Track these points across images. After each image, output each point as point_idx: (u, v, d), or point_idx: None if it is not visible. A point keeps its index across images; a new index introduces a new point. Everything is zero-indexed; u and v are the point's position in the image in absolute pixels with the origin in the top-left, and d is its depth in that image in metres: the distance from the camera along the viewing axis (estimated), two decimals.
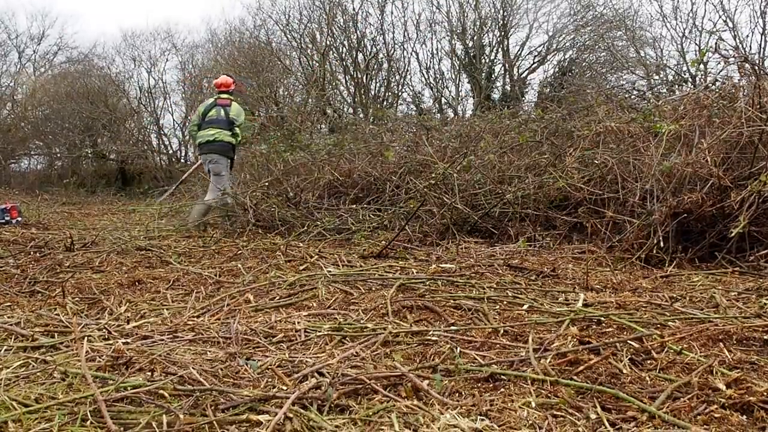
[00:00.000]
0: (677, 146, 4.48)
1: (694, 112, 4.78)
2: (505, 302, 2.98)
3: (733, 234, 3.67)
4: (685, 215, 3.99)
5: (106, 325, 2.63)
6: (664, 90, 8.43)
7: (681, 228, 4.00)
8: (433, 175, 5.61)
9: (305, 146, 8.26)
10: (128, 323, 2.72)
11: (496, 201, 5.23)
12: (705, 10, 22.33)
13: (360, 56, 13.87)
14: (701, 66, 10.21)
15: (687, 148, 4.31)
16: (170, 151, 16.85)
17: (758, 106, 4.24)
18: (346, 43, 13.89)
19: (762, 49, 10.43)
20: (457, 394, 1.87)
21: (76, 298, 3.24)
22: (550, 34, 13.20)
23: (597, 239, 4.48)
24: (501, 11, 13.04)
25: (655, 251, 3.95)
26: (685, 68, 10.60)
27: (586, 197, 4.85)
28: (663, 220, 4.01)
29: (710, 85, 5.91)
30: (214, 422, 1.64)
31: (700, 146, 4.20)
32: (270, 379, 1.99)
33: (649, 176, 4.39)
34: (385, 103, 13.96)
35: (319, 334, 2.47)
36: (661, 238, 3.94)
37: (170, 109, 18.44)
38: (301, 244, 4.94)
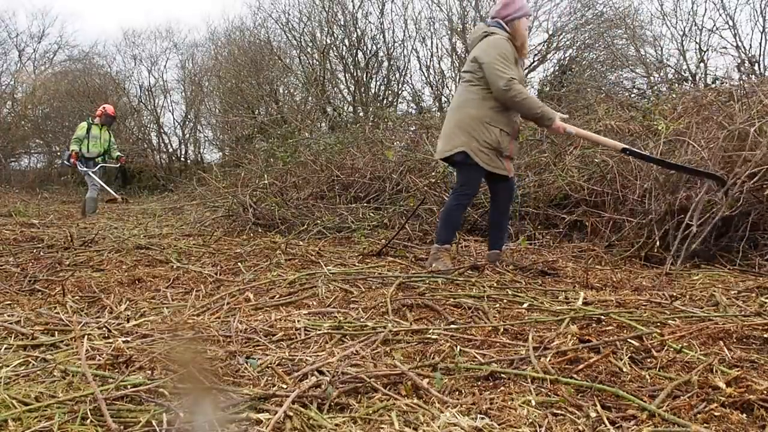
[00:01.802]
0: (677, 145, 4.48)
1: (693, 110, 4.79)
2: (505, 301, 2.98)
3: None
4: (683, 214, 3.99)
5: (106, 324, 2.63)
6: (664, 88, 8.43)
7: (681, 226, 3.99)
8: (434, 174, 5.62)
9: (306, 145, 8.27)
10: (128, 322, 2.73)
11: None
12: (705, 9, 22.29)
13: (360, 54, 13.86)
14: (701, 64, 10.22)
15: (685, 146, 4.31)
16: (170, 150, 16.86)
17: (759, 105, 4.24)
18: (346, 41, 13.87)
19: (762, 48, 10.41)
20: (457, 393, 1.87)
21: (76, 297, 3.24)
22: (550, 32, 13.18)
23: (597, 238, 4.48)
24: None
25: (655, 250, 3.95)
26: (685, 66, 10.59)
27: (586, 196, 4.86)
28: (661, 218, 4.02)
29: (710, 84, 5.91)
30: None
31: (698, 144, 4.20)
32: (270, 378, 1.99)
33: (647, 175, 4.39)
34: (385, 101, 13.94)
35: (319, 332, 2.47)
36: (658, 237, 3.94)
37: (170, 107, 18.43)
38: (301, 243, 4.95)
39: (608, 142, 3.96)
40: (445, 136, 3.81)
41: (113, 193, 10.01)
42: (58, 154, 16.83)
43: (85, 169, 8.99)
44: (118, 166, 10.28)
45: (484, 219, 5.21)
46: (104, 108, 9.36)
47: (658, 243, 3.93)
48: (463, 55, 13.58)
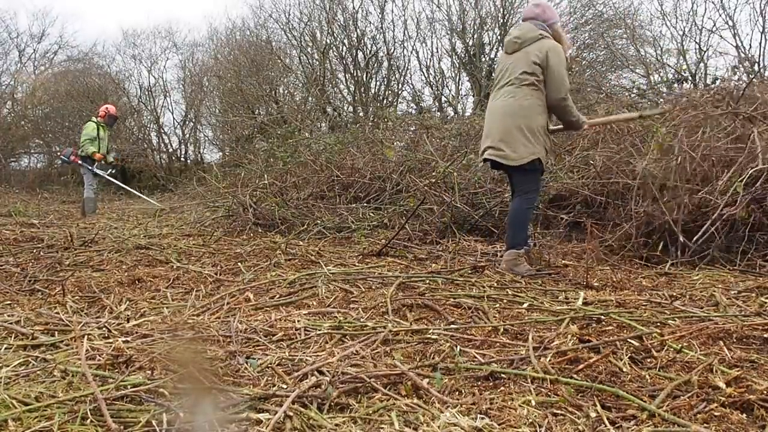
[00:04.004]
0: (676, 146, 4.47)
1: (688, 112, 4.77)
2: (505, 301, 2.98)
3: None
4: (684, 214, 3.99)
5: (106, 324, 2.63)
6: (664, 89, 8.44)
7: (682, 226, 3.99)
8: (434, 174, 5.61)
9: (306, 145, 8.27)
10: (128, 322, 2.73)
11: (496, 201, 5.22)
12: (705, 9, 22.28)
13: (360, 55, 13.87)
14: (701, 65, 10.22)
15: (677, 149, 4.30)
16: (170, 150, 16.85)
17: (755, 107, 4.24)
18: (346, 41, 13.88)
19: (762, 48, 10.41)
20: (457, 393, 1.87)
21: (76, 297, 3.24)
22: None
23: (597, 238, 4.48)
24: (501, 10, 13.03)
25: (657, 250, 3.95)
26: (684, 66, 10.59)
27: (587, 196, 4.86)
28: (661, 219, 4.01)
29: (710, 84, 5.90)
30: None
31: (695, 144, 4.20)
32: (270, 378, 1.99)
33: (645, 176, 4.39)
34: (385, 101, 13.95)
35: (319, 332, 2.47)
36: (663, 237, 3.94)
37: (170, 107, 18.42)
38: (301, 243, 4.95)
39: (623, 117, 4.21)
40: (516, 141, 3.69)
41: (155, 202, 10.09)
42: (58, 153, 16.83)
43: (101, 172, 9.12)
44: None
45: (485, 219, 5.21)
46: (107, 108, 9.41)
47: (659, 242, 3.93)
48: (462, 55, 13.58)
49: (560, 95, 3.69)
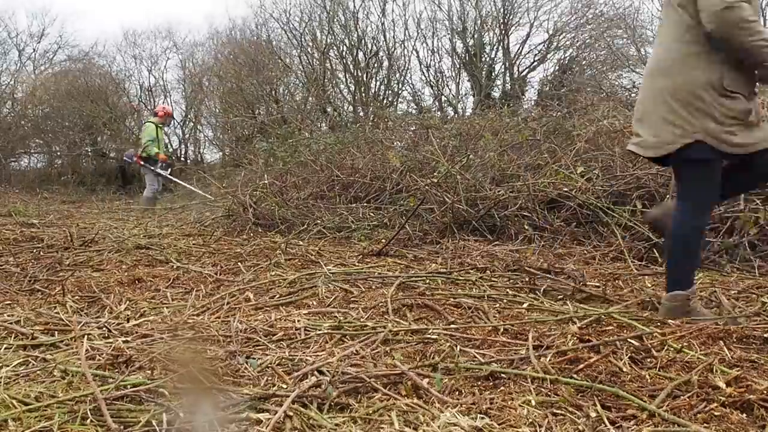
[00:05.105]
0: None
1: None
2: (505, 300, 2.98)
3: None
4: None
5: (106, 324, 2.63)
6: None
7: None
8: (435, 174, 5.60)
9: (306, 145, 8.27)
10: (128, 321, 2.73)
11: (495, 202, 5.21)
12: None
13: (360, 54, 13.88)
14: None
15: None
16: (170, 150, 16.85)
17: None
18: (346, 41, 13.90)
19: None
20: (457, 393, 1.87)
21: (76, 297, 3.24)
22: (551, 32, 13.20)
23: (598, 238, 4.48)
24: (502, 9, 13.05)
25: (655, 250, 3.96)
26: None
27: (588, 196, 4.85)
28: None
29: None
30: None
31: None
32: (270, 378, 1.99)
33: (647, 175, 4.40)
34: (385, 101, 13.95)
35: (319, 332, 2.47)
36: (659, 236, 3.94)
37: (170, 107, 18.40)
38: (301, 243, 4.94)
39: None
40: (656, 120, 2.51)
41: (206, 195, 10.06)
42: (58, 154, 16.82)
43: (163, 172, 9.45)
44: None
45: (485, 219, 5.19)
46: (165, 108, 9.84)
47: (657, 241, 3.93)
48: (463, 55, 13.59)
49: (710, 11, 2.28)
